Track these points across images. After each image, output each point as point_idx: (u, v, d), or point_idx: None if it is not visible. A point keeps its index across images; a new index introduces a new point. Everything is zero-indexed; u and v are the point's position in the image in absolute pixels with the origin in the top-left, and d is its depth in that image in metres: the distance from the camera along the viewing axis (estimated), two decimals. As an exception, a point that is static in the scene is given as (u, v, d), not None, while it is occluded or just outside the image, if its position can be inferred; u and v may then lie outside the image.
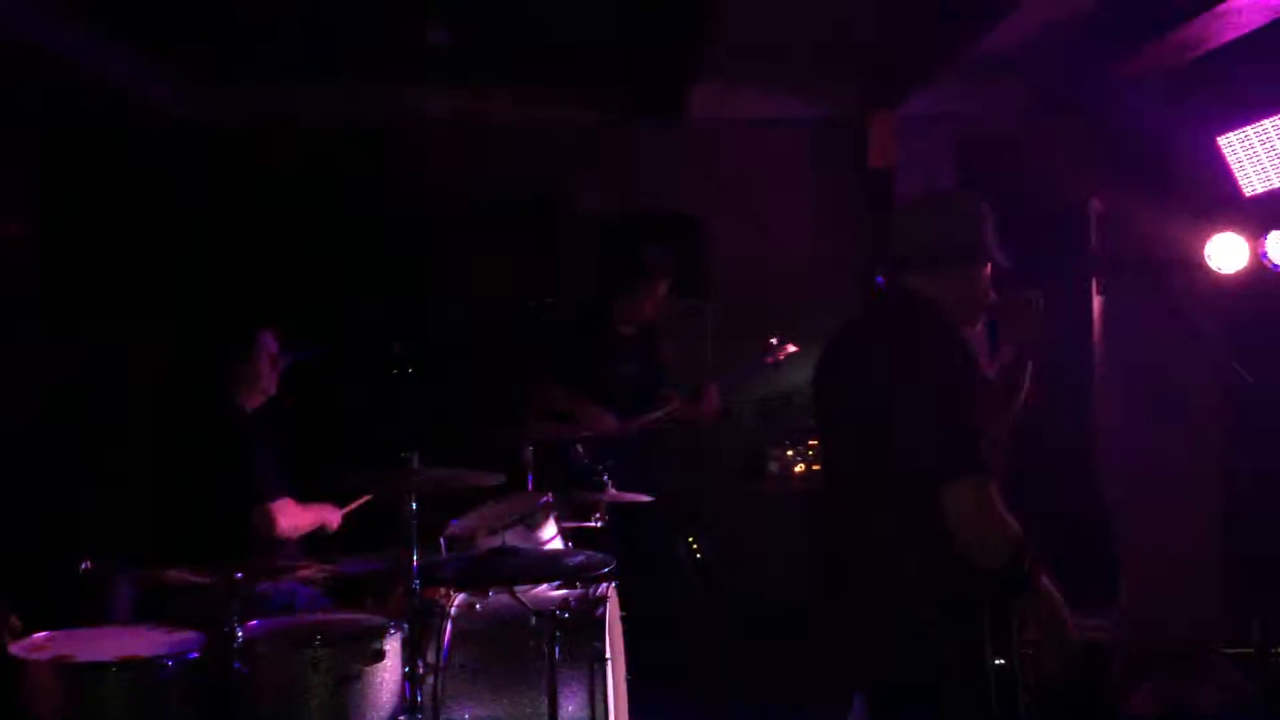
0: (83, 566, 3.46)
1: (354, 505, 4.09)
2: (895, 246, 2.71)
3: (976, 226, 2.68)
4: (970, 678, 2.38)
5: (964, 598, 2.39)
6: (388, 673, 3.13)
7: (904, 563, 2.44)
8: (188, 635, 3.07)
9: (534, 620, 3.27)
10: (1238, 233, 5.01)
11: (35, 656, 2.90)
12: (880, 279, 4.07)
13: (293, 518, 3.84)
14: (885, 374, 2.53)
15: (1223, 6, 4.39)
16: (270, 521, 3.76)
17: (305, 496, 3.96)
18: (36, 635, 3.08)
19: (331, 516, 4.01)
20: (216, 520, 3.74)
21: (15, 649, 2.94)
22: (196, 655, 2.96)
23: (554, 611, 3.28)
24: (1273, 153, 4.84)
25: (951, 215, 2.71)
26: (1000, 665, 2.37)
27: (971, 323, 2.74)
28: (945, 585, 2.41)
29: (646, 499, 4.44)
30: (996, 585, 2.39)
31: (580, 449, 4.89)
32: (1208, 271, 5.08)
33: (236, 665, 2.93)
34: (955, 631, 2.39)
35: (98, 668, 2.87)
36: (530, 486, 4.20)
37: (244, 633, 3.03)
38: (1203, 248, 5.06)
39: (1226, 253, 5.04)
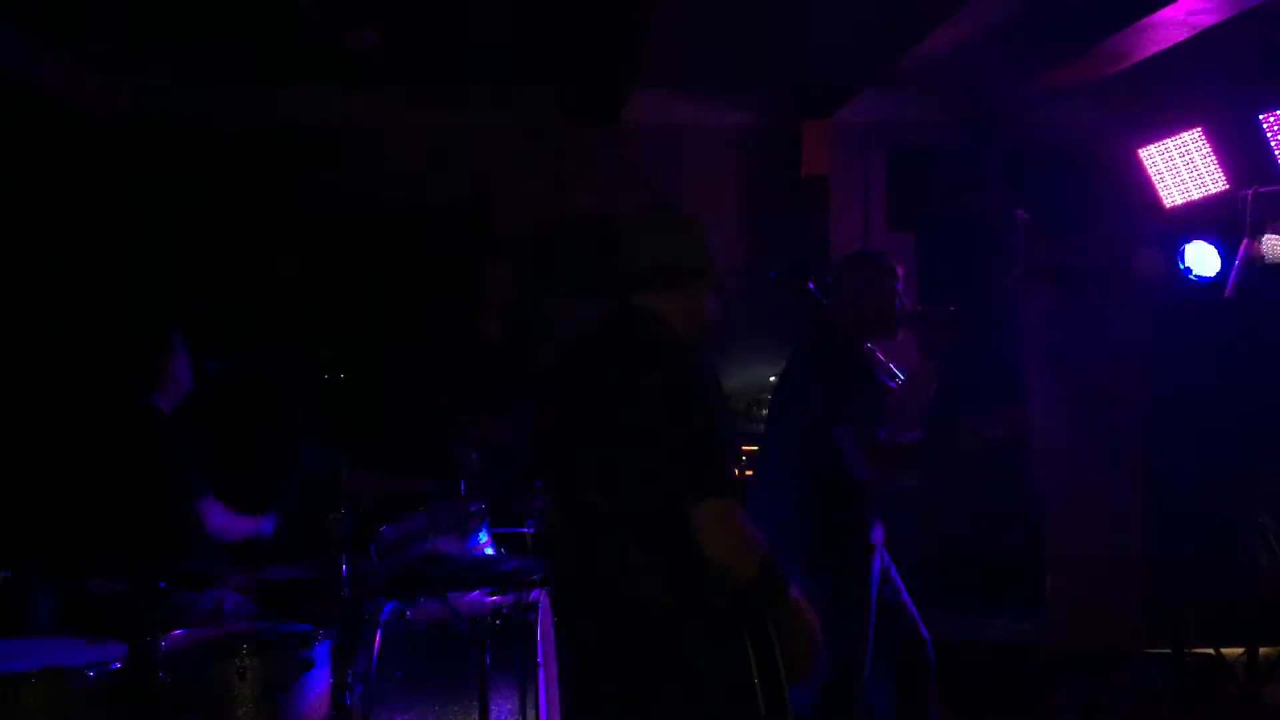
0: (1, 576, 3.38)
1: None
2: (626, 263, 2.67)
3: (701, 244, 2.71)
4: (739, 709, 2.37)
5: (723, 624, 2.39)
6: (316, 682, 3.10)
7: (657, 594, 2.41)
8: (110, 645, 3.01)
9: (465, 627, 3.25)
10: (1159, 242, 5.14)
11: (-49, 668, 2.82)
12: (811, 285, 4.14)
13: (222, 520, 3.79)
14: (621, 400, 2.46)
15: (1145, 21, 4.50)
16: (197, 520, 3.70)
17: (235, 504, 3.91)
18: (-47, 647, 3.00)
19: (263, 525, 3.96)
20: (140, 523, 3.67)
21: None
22: (119, 665, 2.91)
23: (486, 618, 3.27)
24: (1191, 165, 4.98)
25: (684, 235, 2.71)
26: (763, 681, 2.37)
27: (706, 334, 2.71)
28: (701, 612, 2.41)
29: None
30: (752, 601, 2.40)
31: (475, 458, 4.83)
32: (1131, 280, 5.21)
33: (160, 675, 2.88)
34: (719, 661, 2.38)
35: (16, 678, 2.80)
36: (463, 493, 4.17)
37: (168, 642, 2.98)
38: (1126, 257, 5.19)
39: (1148, 262, 5.18)
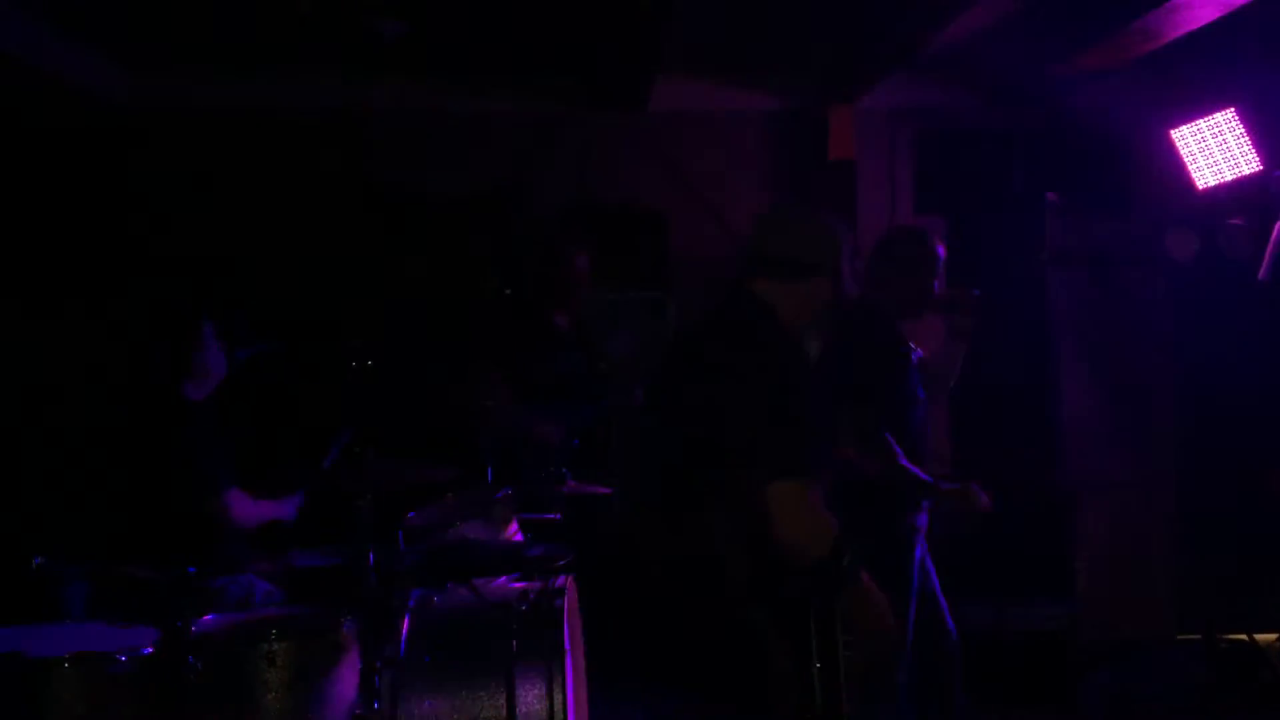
0: (34, 563, 3.41)
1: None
2: (752, 249, 2.80)
3: (832, 246, 2.78)
4: (799, 679, 2.45)
5: (792, 598, 2.48)
6: (345, 667, 3.11)
7: (734, 564, 2.52)
8: (141, 630, 3.03)
9: (492, 613, 3.26)
10: (1191, 225, 5.08)
11: (-15, 653, 2.86)
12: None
13: (245, 509, 3.81)
14: (720, 376, 2.61)
15: (1175, 1, 4.44)
16: (223, 512, 3.73)
17: (261, 491, 3.93)
18: (-13, 631, 3.04)
19: (286, 510, 3.98)
20: (169, 513, 3.70)
21: (-36, 646, 2.89)
22: (150, 650, 2.93)
23: (512, 604, 3.28)
24: (1225, 146, 4.91)
25: (810, 231, 2.80)
26: (823, 667, 2.44)
27: (810, 327, 2.83)
28: (774, 586, 2.50)
29: (606, 491, 4.43)
30: (820, 582, 2.48)
31: (538, 447, 4.85)
32: (1161, 264, 5.16)
33: (191, 660, 2.90)
34: (784, 633, 2.48)
35: (49, 663, 2.83)
36: (489, 479, 4.18)
37: (198, 628, 3.00)
38: (1157, 239, 5.13)
39: (1179, 245, 5.11)
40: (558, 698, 3.28)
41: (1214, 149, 4.93)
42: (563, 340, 5.07)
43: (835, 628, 2.47)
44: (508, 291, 5.83)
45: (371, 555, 3.20)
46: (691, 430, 2.63)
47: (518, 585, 3.63)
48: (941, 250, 3.83)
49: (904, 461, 3.62)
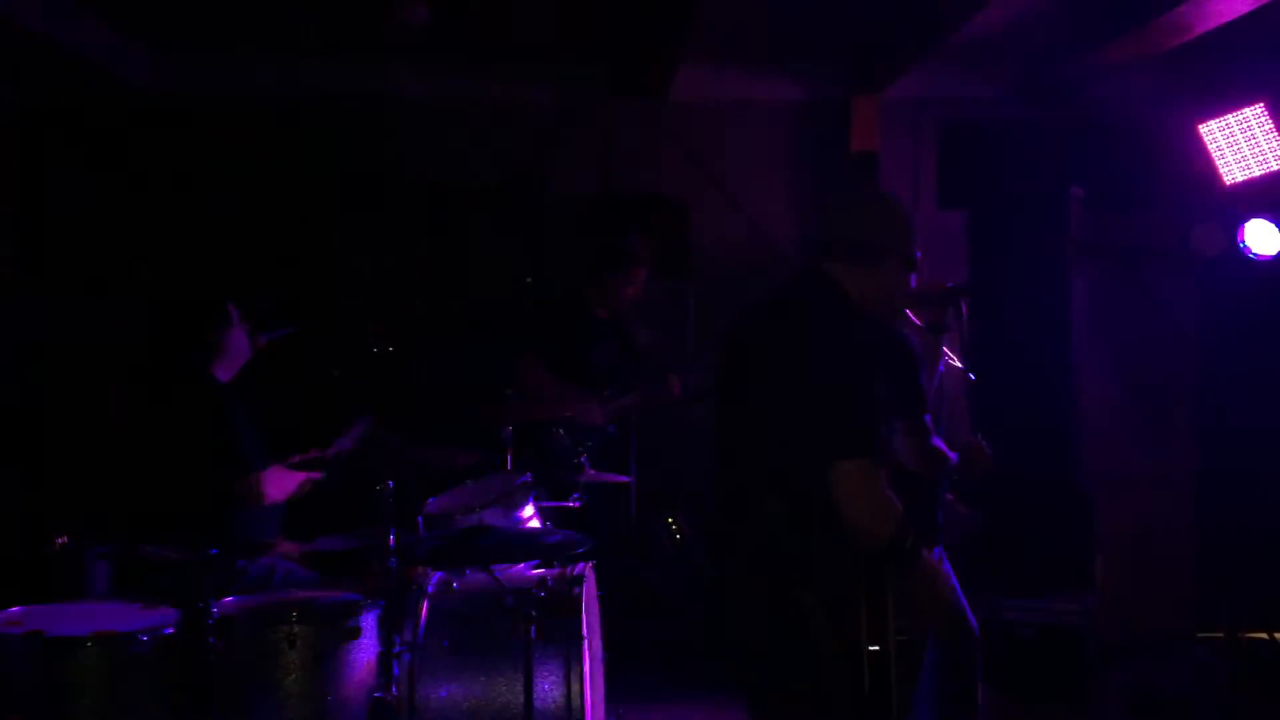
0: (58, 542, 3.44)
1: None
2: (823, 232, 2.78)
3: (905, 229, 2.78)
4: (845, 665, 2.43)
5: (841, 584, 2.47)
6: (363, 650, 3.13)
7: (788, 545, 2.51)
8: (163, 611, 3.06)
9: (510, 599, 3.27)
10: (1217, 220, 5.03)
11: (8, 631, 2.88)
12: None
13: (279, 485, 3.81)
14: (787, 354, 2.60)
15: (1205, -6, 4.40)
16: (257, 491, 3.73)
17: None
18: (10, 610, 3.06)
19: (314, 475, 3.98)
20: (195, 492, 3.70)
21: (-12, 624, 2.92)
22: (171, 631, 2.95)
23: (531, 590, 3.29)
24: (1253, 141, 4.87)
25: (883, 213, 2.79)
26: (875, 650, 2.43)
27: (886, 316, 2.83)
28: (824, 571, 2.48)
29: (625, 479, 4.44)
30: (878, 566, 2.47)
31: (562, 432, 4.88)
32: (1187, 259, 5.11)
33: (212, 641, 2.93)
34: (831, 617, 2.46)
35: (71, 642, 2.86)
36: (509, 466, 4.19)
37: (219, 609, 3.03)
38: (1182, 235, 5.08)
39: (1205, 240, 5.07)
40: (575, 684, 3.29)
41: (1242, 144, 4.89)
42: (601, 329, 5.09)
43: (887, 610, 2.45)
44: (529, 280, 5.84)
45: (392, 539, 3.22)
46: (757, 412, 2.63)
47: (536, 572, 3.64)
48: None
49: (936, 440, 3.60)
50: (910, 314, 3.84)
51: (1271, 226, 4.93)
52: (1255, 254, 4.98)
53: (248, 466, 3.73)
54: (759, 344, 2.72)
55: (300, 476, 3.88)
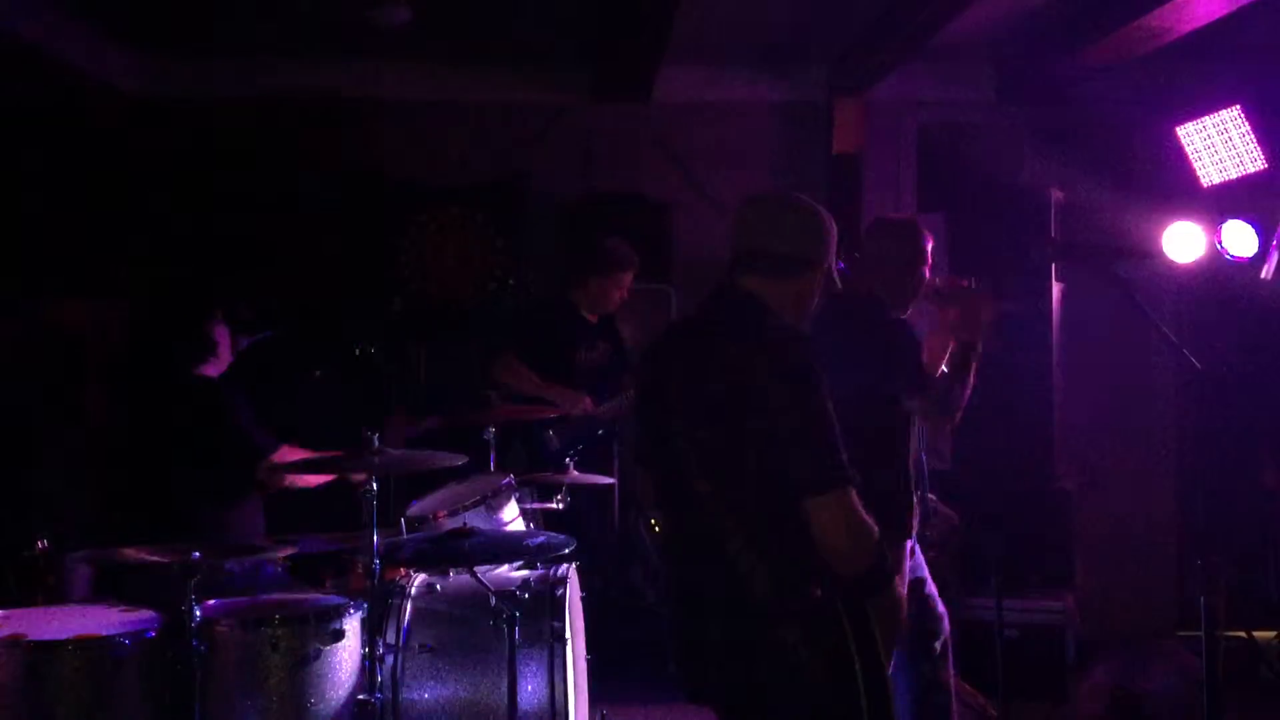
0: (38, 546, 3.42)
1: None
2: (740, 242, 2.60)
3: (825, 238, 2.63)
4: (842, 691, 2.36)
5: (823, 610, 2.38)
6: (347, 653, 3.13)
7: (758, 582, 2.39)
8: (145, 614, 3.05)
9: (494, 601, 3.27)
10: (1195, 222, 5.07)
11: (-11, 635, 2.86)
12: (841, 265, 4.10)
13: (299, 461, 3.76)
14: (732, 385, 2.42)
15: (1183, -2, 4.44)
16: (277, 475, 3.70)
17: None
18: (-10, 614, 3.04)
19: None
20: (178, 493, 3.67)
21: (-31, 628, 2.90)
22: (154, 635, 2.94)
23: (514, 592, 3.29)
24: (1229, 143, 4.91)
25: (802, 223, 2.62)
26: (867, 672, 2.37)
27: (805, 322, 2.66)
28: (801, 600, 2.39)
29: (609, 481, 4.44)
30: (855, 589, 2.40)
31: (552, 434, 4.88)
32: (1166, 260, 5.15)
33: (194, 644, 2.91)
34: (820, 647, 2.37)
35: (52, 646, 2.84)
36: (492, 467, 4.19)
37: (202, 612, 3.01)
38: (1161, 236, 5.12)
39: (1183, 242, 5.10)
40: (558, 685, 3.29)
41: (1219, 146, 4.93)
42: (592, 333, 5.10)
43: (872, 630, 2.39)
44: (511, 282, 5.84)
45: (375, 541, 3.21)
46: (708, 449, 2.46)
47: (520, 573, 3.64)
48: (929, 241, 3.81)
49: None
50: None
51: (1249, 228, 4.97)
52: (1233, 255, 5.01)
53: (262, 451, 3.69)
54: (688, 377, 2.52)
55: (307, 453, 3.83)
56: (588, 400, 4.88)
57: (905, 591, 3.60)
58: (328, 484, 3.87)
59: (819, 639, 2.37)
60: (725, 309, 2.60)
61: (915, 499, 3.73)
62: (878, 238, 3.83)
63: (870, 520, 2.39)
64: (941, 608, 3.84)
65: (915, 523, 3.73)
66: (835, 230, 2.67)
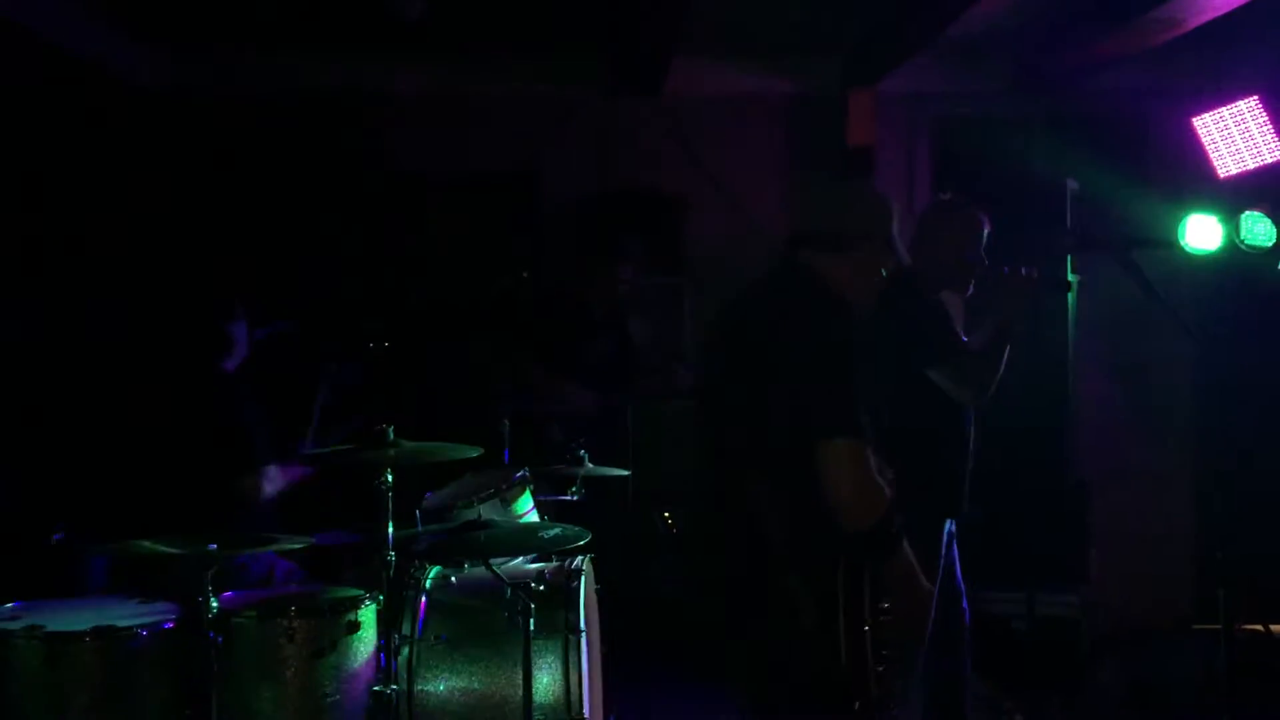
0: (55, 537, 3.44)
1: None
2: (798, 223, 2.78)
3: (878, 214, 2.76)
4: (826, 644, 2.44)
5: (822, 561, 2.47)
6: (363, 644, 3.14)
7: (774, 530, 2.51)
8: (162, 606, 3.07)
9: (509, 593, 3.28)
10: (1212, 213, 5.04)
11: (7, 626, 2.88)
12: None
13: (276, 485, 3.81)
14: (768, 342, 2.61)
15: (1198, -12, 4.42)
16: (257, 487, 3.73)
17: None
18: (8, 605, 3.06)
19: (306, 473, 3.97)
20: (200, 485, 3.70)
21: (-14, 619, 2.92)
22: (171, 626, 2.95)
23: (529, 584, 3.29)
24: (1247, 134, 4.88)
25: (855, 201, 2.80)
26: (852, 626, 2.43)
27: (867, 301, 2.78)
28: (807, 551, 2.49)
29: (623, 473, 4.45)
30: (859, 549, 2.47)
31: (557, 428, 4.90)
32: (1183, 251, 5.12)
33: (211, 636, 2.93)
34: (814, 594, 2.46)
35: (70, 637, 2.86)
36: (507, 460, 4.20)
37: (219, 603, 3.03)
38: (1177, 228, 5.09)
39: (1200, 233, 5.08)
40: (573, 677, 3.30)
41: (1236, 137, 4.90)
42: (601, 327, 5.11)
43: (863, 590, 2.44)
44: (525, 275, 5.85)
45: (390, 534, 3.22)
46: (741, 400, 2.63)
47: (534, 566, 3.65)
48: (986, 226, 3.80)
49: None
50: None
51: (1266, 219, 4.94)
52: (1251, 246, 4.99)
53: (255, 461, 3.72)
54: (740, 336, 2.72)
55: (293, 473, 3.88)
56: (589, 396, 4.90)
57: (938, 575, 3.62)
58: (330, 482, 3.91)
59: (816, 588, 2.46)
60: (780, 279, 2.77)
61: (964, 481, 3.72)
62: (935, 221, 3.82)
63: (880, 480, 2.47)
64: (965, 603, 3.83)
65: (962, 504, 3.72)
66: (893, 205, 2.79)
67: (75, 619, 2.94)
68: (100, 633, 2.87)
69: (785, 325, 2.60)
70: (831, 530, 2.46)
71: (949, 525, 3.71)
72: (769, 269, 2.82)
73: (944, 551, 3.69)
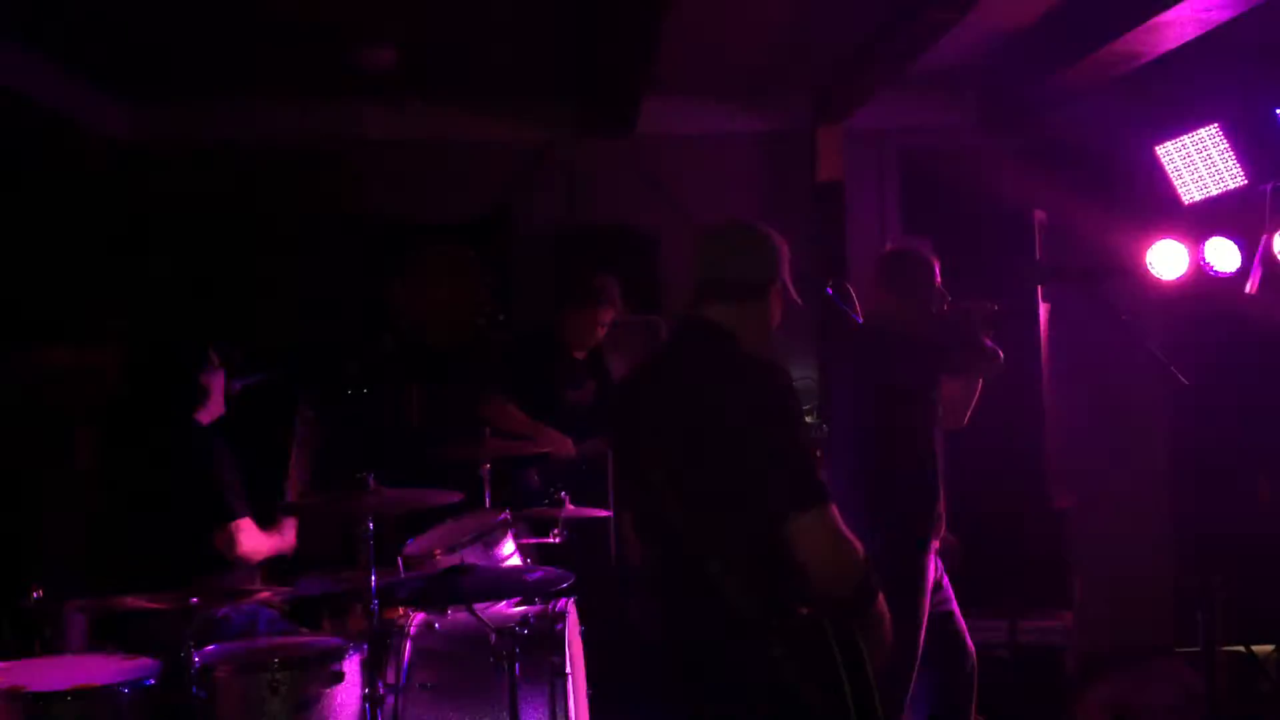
0: (33, 595, 3.40)
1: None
2: (698, 272, 2.67)
3: (775, 259, 2.67)
4: (833, 709, 2.34)
5: (809, 630, 2.37)
6: (347, 694, 3.12)
7: (744, 604, 2.38)
8: (144, 662, 3.03)
9: (494, 638, 3.27)
10: (1178, 240, 5.12)
11: (-12, 687, 2.85)
12: (829, 289, 4.14)
13: (254, 541, 3.78)
14: (705, 416, 2.46)
15: (1157, 20, 4.50)
16: (232, 542, 3.71)
17: (260, 519, 3.92)
18: (-11, 666, 3.03)
19: (288, 540, 3.96)
20: (178, 540, 3.67)
21: (-34, 681, 2.88)
22: (153, 682, 2.93)
23: (513, 628, 3.29)
24: (1209, 162, 4.96)
25: (752, 246, 2.67)
26: (855, 688, 2.35)
27: (767, 350, 2.67)
28: (787, 620, 2.38)
29: (605, 514, 4.45)
30: (841, 609, 2.38)
31: (534, 474, 4.90)
32: (1149, 278, 5.19)
33: (194, 691, 2.91)
34: (808, 669, 2.35)
35: (52, 698, 2.82)
36: (488, 504, 4.19)
37: (201, 658, 3.01)
38: (1144, 255, 5.17)
39: (1167, 260, 5.15)
40: (560, 720, 3.29)
41: (1199, 164, 4.98)
42: (579, 370, 5.11)
43: (858, 645, 2.38)
44: (501, 318, 5.86)
45: (373, 582, 3.21)
46: (683, 477, 2.47)
47: (518, 609, 3.64)
48: (934, 263, 3.88)
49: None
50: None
51: (1231, 244, 5.02)
52: (1216, 271, 5.06)
53: (229, 515, 3.70)
54: (661, 413, 2.55)
55: (273, 544, 3.86)
56: (569, 443, 4.89)
57: (926, 600, 3.63)
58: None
59: (806, 660, 2.36)
60: (692, 342, 2.66)
61: (938, 503, 3.76)
62: (891, 269, 3.90)
63: (853, 538, 2.39)
64: (970, 643, 3.85)
65: (940, 527, 3.75)
66: (785, 248, 2.71)
67: (56, 678, 2.91)
68: (82, 692, 2.84)
69: (722, 400, 2.45)
70: (803, 595, 2.38)
71: (931, 547, 3.73)
72: (675, 330, 2.67)
73: (934, 579, 3.71)
